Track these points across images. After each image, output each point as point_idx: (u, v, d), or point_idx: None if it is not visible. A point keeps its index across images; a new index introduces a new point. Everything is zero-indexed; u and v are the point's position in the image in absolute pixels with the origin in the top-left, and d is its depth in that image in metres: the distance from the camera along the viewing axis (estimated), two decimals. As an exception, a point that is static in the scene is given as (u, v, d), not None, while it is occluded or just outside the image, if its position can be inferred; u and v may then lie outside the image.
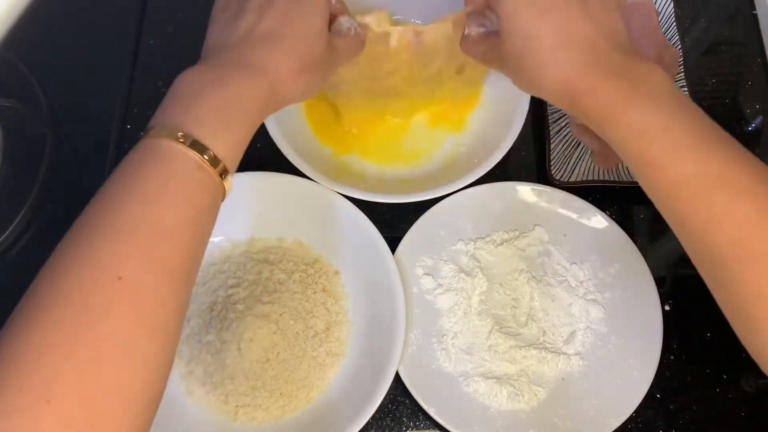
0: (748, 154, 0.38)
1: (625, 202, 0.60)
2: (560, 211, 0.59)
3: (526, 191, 0.59)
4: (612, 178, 0.60)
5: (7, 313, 0.32)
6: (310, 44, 0.43)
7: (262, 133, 0.57)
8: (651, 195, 0.40)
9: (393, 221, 0.58)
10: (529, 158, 0.62)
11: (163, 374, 0.34)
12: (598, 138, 0.51)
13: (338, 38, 0.48)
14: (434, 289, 0.56)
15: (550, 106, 0.62)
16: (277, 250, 0.57)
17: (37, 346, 0.30)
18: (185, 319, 0.37)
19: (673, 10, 0.66)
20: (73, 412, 0.30)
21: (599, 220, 0.58)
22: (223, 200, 0.40)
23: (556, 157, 0.60)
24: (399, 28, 0.51)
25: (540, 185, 0.59)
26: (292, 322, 0.54)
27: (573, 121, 0.52)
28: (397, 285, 0.53)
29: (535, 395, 0.53)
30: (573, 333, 0.55)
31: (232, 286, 0.55)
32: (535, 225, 0.58)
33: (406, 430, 0.53)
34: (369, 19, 0.50)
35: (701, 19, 0.68)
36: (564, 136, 0.61)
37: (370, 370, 0.52)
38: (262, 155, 0.60)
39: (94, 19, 0.68)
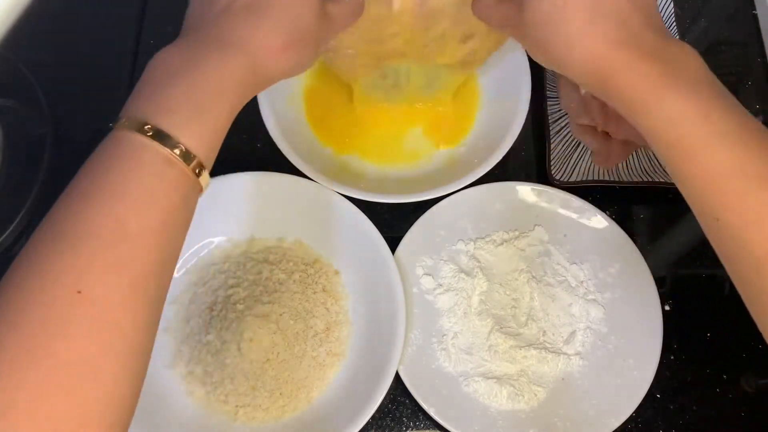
0: None
1: (625, 202, 0.60)
2: (560, 211, 0.59)
3: (526, 191, 0.59)
4: (612, 178, 0.60)
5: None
6: (297, 14, 0.39)
7: (262, 132, 0.57)
8: (682, 186, 0.37)
9: (393, 221, 0.58)
10: (529, 158, 0.62)
11: (133, 391, 0.32)
12: (598, 138, 0.51)
13: (332, 4, 0.43)
14: (434, 289, 0.56)
15: (550, 106, 0.62)
16: (277, 250, 0.57)
17: None
18: (156, 330, 0.34)
19: (673, 10, 0.66)
20: None
21: (599, 220, 0.58)
22: (199, 196, 0.37)
23: (556, 157, 0.60)
24: None
25: (540, 185, 0.59)
26: (292, 322, 0.54)
27: (573, 121, 0.52)
28: (397, 285, 0.53)
29: (535, 395, 0.53)
30: (573, 333, 0.55)
31: (232, 286, 0.55)
32: (535, 225, 0.58)
33: (406, 430, 0.53)
34: None
35: (701, 19, 0.68)
36: (564, 136, 0.61)
37: (370, 370, 0.52)
38: (262, 155, 0.60)
39: (94, 19, 0.68)
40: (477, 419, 0.52)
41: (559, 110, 0.62)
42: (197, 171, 0.35)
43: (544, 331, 0.55)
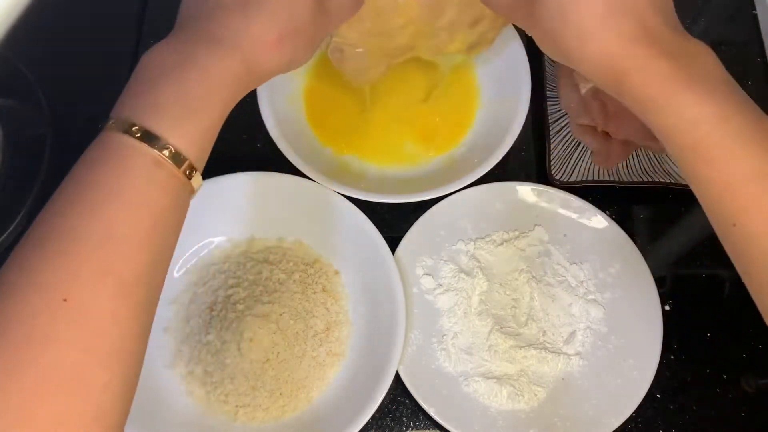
0: None
1: (625, 202, 0.60)
2: (560, 211, 0.59)
3: (526, 191, 0.59)
4: (612, 178, 0.60)
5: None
6: (289, 8, 0.38)
7: (262, 133, 0.57)
8: (698, 189, 0.36)
9: (393, 221, 0.58)
10: (529, 158, 0.62)
11: (124, 400, 0.31)
12: (598, 138, 0.51)
13: None
14: (434, 289, 0.56)
15: (550, 106, 0.62)
16: (277, 250, 0.57)
17: None
18: (148, 336, 0.33)
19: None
20: None
21: (599, 220, 0.58)
22: (191, 198, 0.36)
23: (556, 157, 0.60)
24: None
25: (540, 185, 0.59)
26: (292, 322, 0.54)
27: (573, 121, 0.52)
28: (397, 285, 0.53)
29: (535, 395, 0.53)
30: (573, 333, 0.55)
31: (232, 286, 0.55)
32: (535, 225, 0.58)
33: (406, 430, 0.53)
34: None
35: (701, 19, 0.68)
36: (564, 136, 0.61)
37: (370, 370, 0.52)
38: (262, 155, 0.60)
39: (94, 19, 0.68)
40: (477, 419, 0.52)
41: (559, 110, 0.62)
42: (188, 172, 0.34)
43: (544, 331, 0.55)
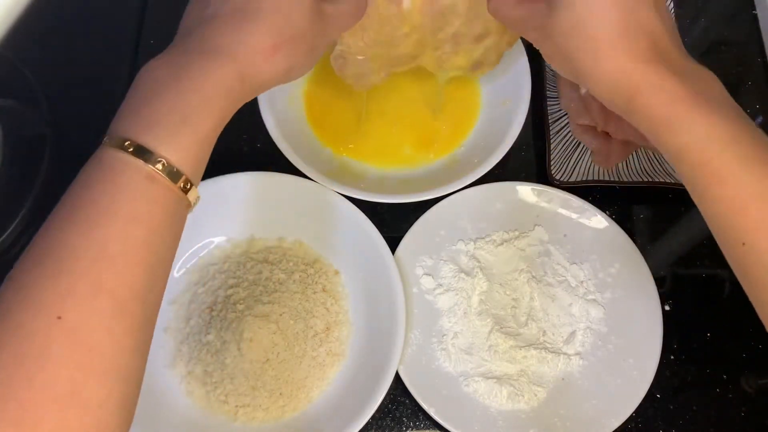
0: None
1: (625, 202, 0.60)
2: (560, 211, 0.59)
3: (526, 191, 0.59)
4: (612, 178, 0.60)
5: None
6: (287, 15, 0.37)
7: (262, 133, 0.57)
8: (707, 208, 0.36)
9: (393, 221, 0.58)
10: (529, 158, 0.62)
11: (123, 416, 0.31)
12: (598, 138, 0.51)
13: (329, 4, 0.41)
14: (434, 289, 0.56)
15: (550, 106, 0.62)
16: (277, 250, 0.57)
17: None
18: (147, 353, 0.33)
19: (673, 10, 0.66)
20: None
21: (599, 220, 0.58)
22: (189, 211, 0.36)
23: (556, 157, 0.60)
24: None
25: (540, 185, 0.59)
26: (292, 322, 0.54)
27: (573, 121, 0.52)
28: (397, 285, 0.53)
29: (535, 395, 0.53)
30: (573, 333, 0.55)
31: (231, 286, 0.55)
32: (535, 225, 0.58)
33: (406, 430, 0.53)
34: None
35: (701, 19, 0.68)
36: (564, 136, 0.61)
37: (370, 370, 0.52)
38: (262, 155, 0.60)
39: (94, 19, 0.68)
40: (477, 419, 0.52)
41: (559, 110, 0.62)
42: (183, 186, 0.34)
43: (544, 331, 0.55)
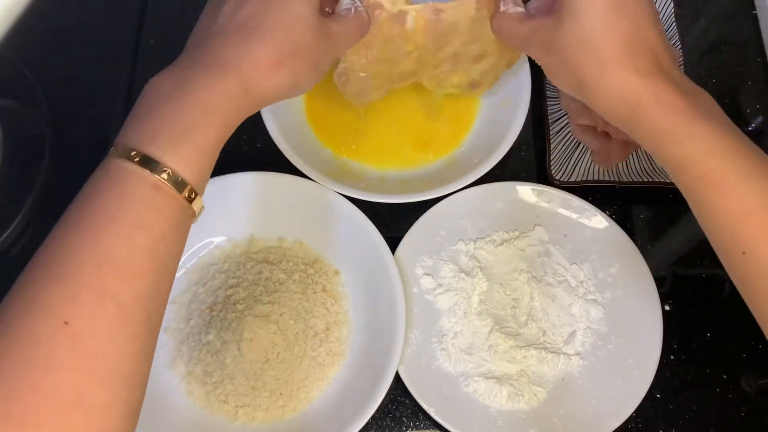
0: None
1: (625, 202, 0.60)
2: (560, 211, 0.59)
3: (526, 191, 0.59)
4: (612, 178, 0.60)
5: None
6: (288, 32, 0.39)
7: (262, 133, 0.57)
8: (707, 219, 0.37)
9: (393, 221, 0.58)
10: (529, 158, 0.62)
11: (127, 420, 0.31)
12: (598, 138, 0.51)
13: (333, 21, 0.43)
14: (434, 289, 0.56)
15: (550, 106, 0.62)
16: (277, 250, 0.57)
17: None
18: (152, 358, 0.34)
19: (673, 10, 0.66)
20: None
21: (599, 220, 0.58)
22: (193, 220, 0.36)
23: (556, 157, 0.60)
24: (416, 7, 0.47)
25: (540, 185, 0.59)
26: (292, 322, 0.54)
27: (573, 121, 0.52)
28: (397, 285, 0.53)
29: (535, 395, 0.53)
30: (573, 333, 0.55)
31: (231, 286, 0.55)
32: (535, 225, 0.58)
33: (406, 430, 0.53)
34: None
35: (701, 19, 0.68)
36: (564, 136, 0.61)
37: (370, 370, 0.52)
38: (262, 155, 0.60)
39: (94, 19, 0.68)
40: (477, 419, 0.52)
41: (559, 110, 0.62)
42: (187, 195, 0.35)
43: (544, 331, 0.55)
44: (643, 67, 0.37)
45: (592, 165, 0.60)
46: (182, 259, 0.56)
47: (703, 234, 0.38)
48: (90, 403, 0.30)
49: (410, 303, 0.55)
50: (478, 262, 0.57)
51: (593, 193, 0.60)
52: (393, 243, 0.55)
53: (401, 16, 0.46)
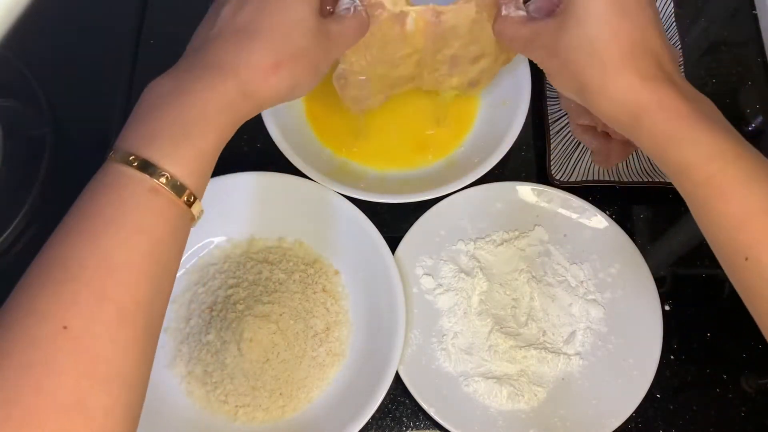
0: None
1: (625, 202, 0.60)
2: (560, 211, 0.59)
3: (526, 191, 0.59)
4: (612, 178, 0.60)
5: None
6: (286, 34, 0.39)
7: (262, 133, 0.57)
8: (709, 224, 0.37)
9: (393, 221, 0.58)
10: (529, 158, 0.62)
11: (127, 423, 0.32)
12: (598, 138, 0.51)
13: (333, 22, 0.42)
14: (434, 289, 0.56)
15: (550, 106, 0.62)
16: (277, 250, 0.57)
17: None
18: (152, 361, 0.34)
19: (673, 10, 0.66)
20: None
21: (599, 220, 0.58)
22: (192, 224, 0.36)
23: (556, 157, 0.60)
24: (417, 8, 0.47)
25: (540, 185, 0.59)
26: (292, 322, 0.54)
27: (573, 121, 0.52)
28: (397, 285, 0.53)
29: (535, 395, 0.53)
30: (573, 333, 0.55)
31: (231, 286, 0.55)
32: (535, 225, 0.58)
33: (406, 430, 0.53)
34: None
35: (701, 19, 0.68)
36: (564, 136, 0.61)
37: (370, 370, 0.52)
38: (262, 155, 0.60)
39: (94, 19, 0.68)
40: (477, 419, 0.52)
41: (559, 110, 0.62)
42: (186, 198, 0.35)
43: (544, 331, 0.55)
44: (646, 72, 0.37)
45: (592, 165, 0.60)
46: (182, 259, 0.56)
47: (703, 234, 0.38)
48: (90, 406, 0.30)
49: (410, 303, 0.55)
50: (478, 262, 0.57)
51: (593, 193, 0.60)
52: (393, 243, 0.55)
53: (402, 16, 0.46)
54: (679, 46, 0.65)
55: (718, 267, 0.38)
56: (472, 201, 0.58)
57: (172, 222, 0.34)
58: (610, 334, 0.55)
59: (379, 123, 0.62)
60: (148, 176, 0.33)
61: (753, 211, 0.35)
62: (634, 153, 0.60)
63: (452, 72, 0.53)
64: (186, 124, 0.35)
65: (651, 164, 0.60)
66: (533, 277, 0.56)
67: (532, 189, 0.59)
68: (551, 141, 0.61)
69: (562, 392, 0.53)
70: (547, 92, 0.63)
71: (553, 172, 0.59)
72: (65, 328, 0.30)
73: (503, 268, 0.57)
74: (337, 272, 0.57)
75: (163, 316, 0.35)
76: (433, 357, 0.54)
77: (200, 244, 0.57)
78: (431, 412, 0.51)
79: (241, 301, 0.54)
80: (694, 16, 0.68)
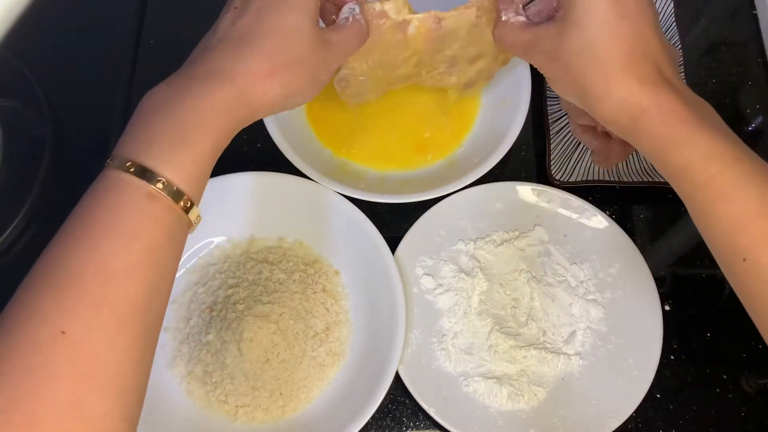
0: None
1: (625, 202, 0.60)
2: (560, 211, 0.59)
3: (526, 191, 0.59)
4: (612, 178, 0.60)
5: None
6: (283, 42, 0.39)
7: (262, 133, 0.57)
8: (708, 226, 0.37)
9: (393, 221, 0.58)
10: (529, 158, 0.62)
11: (127, 428, 0.32)
12: (598, 138, 0.51)
13: (331, 31, 0.43)
14: (434, 289, 0.56)
15: (550, 106, 0.62)
16: (277, 250, 0.57)
17: None
18: (150, 366, 0.34)
19: (673, 10, 0.66)
20: None
21: (599, 220, 0.58)
22: (190, 231, 0.37)
23: (556, 157, 0.60)
24: (419, 16, 0.47)
25: (540, 185, 0.59)
26: (292, 322, 0.54)
27: (573, 121, 0.52)
28: (397, 285, 0.53)
29: (535, 395, 0.53)
30: (573, 333, 0.55)
31: (231, 286, 0.55)
32: (535, 225, 0.58)
33: (406, 430, 0.53)
34: (387, 6, 0.46)
35: (701, 19, 0.68)
36: (564, 136, 0.61)
37: (370, 370, 0.52)
38: (262, 155, 0.60)
39: (94, 19, 0.68)
40: (477, 419, 0.52)
41: (559, 110, 0.62)
42: (182, 203, 0.35)
43: (544, 331, 0.55)
44: (646, 76, 0.38)
45: (592, 165, 0.60)
46: (182, 259, 0.56)
47: (701, 236, 0.38)
48: (89, 411, 0.30)
49: (410, 303, 0.55)
50: (478, 262, 0.57)
51: (593, 193, 0.60)
52: (393, 243, 0.55)
53: (404, 24, 0.47)
54: (679, 46, 0.64)
55: (718, 267, 0.38)
56: (472, 201, 0.58)
57: (169, 227, 0.35)
58: (610, 334, 0.55)
59: (379, 123, 0.62)
60: (145, 182, 0.34)
61: (752, 213, 0.35)
62: (634, 153, 0.60)
63: (451, 71, 0.54)
64: (183, 129, 0.35)
65: (651, 164, 0.60)
66: (533, 277, 0.56)
67: (532, 189, 0.59)
68: (551, 141, 0.61)
69: (562, 392, 0.53)
70: (547, 92, 0.63)
71: (553, 172, 0.59)
72: (64, 333, 0.30)
73: (503, 268, 0.57)
74: (337, 272, 0.57)
75: (161, 320, 0.35)
76: (433, 357, 0.54)
77: (200, 244, 0.57)
78: (431, 412, 0.51)
79: (241, 301, 0.54)
80: (694, 16, 0.68)
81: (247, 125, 0.39)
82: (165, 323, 0.54)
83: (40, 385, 0.29)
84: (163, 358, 0.54)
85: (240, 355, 0.52)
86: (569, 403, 0.53)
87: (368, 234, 0.55)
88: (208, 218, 0.55)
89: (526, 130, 0.58)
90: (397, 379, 0.52)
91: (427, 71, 0.53)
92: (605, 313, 0.56)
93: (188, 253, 0.57)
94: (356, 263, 0.56)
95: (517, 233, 0.58)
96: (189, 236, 0.37)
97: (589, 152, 0.61)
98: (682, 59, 0.64)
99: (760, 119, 0.64)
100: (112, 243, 0.32)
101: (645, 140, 0.38)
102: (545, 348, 0.54)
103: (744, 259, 0.35)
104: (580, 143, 0.61)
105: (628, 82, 0.38)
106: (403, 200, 0.56)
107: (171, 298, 0.55)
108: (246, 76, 0.38)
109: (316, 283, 0.56)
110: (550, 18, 0.44)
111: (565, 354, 0.54)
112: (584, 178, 0.59)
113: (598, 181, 0.59)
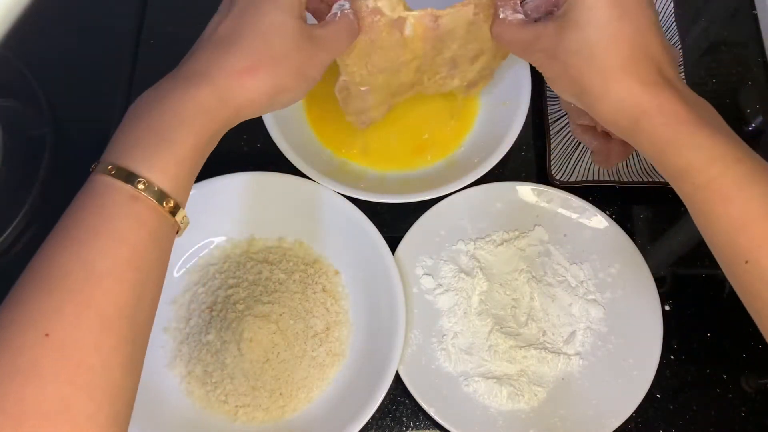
0: None
1: (625, 202, 0.60)
2: (560, 211, 0.59)
3: (526, 191, 0.59)
4: (612, 178, 0.60)
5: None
6: (265, 39, 0.39)
7: (262, 133, 0.57)
8: (709, 228, 0.37)
9: (393, 221, 0.58)
10: (529, 158, 0.62)
11: (113, 430, 0.32)
12: (598, 138, 0.51)
13: (319, 27, 0.42)
14: (434, 289, 0.56)
15: (550, 106, 0.62)
16: (277, 250, 0.57)
17: None
18: (139, 369, 0.34)
19: (673, 10, 0.66)
20: None
21: (599, 220, 0.58)
22: (178, 233, 0.37)
23: (556, 157, 0.60)
24: (415, 13, 0.46)
25: (540, 185, 0.59)
26: (292, 322, 0.54)
27: (573, 121, 0.52)
28: (397, 285, 0.53)
29: (535, 395, 0.53)
30: (573, 333, 0.55)
31: (231, 286, 0.55)
32: (535, 225, 0.58)
33: (406, 430, 0.53)
34: (381, 3, 0.45)
35: (701, 19, 0.68)
36: (564, 136, 0.61)
37: (370, 370, 0.52)
38: (262, 155, 0.60)
39: (94, 19, 0.68)
40: (477, 419, 0.52)
41: (559, 110, 0.62)
42: (166, 204, 0.35)
43: (544, 331, 0.55)
44: (646, 77, 0.38)
45: (592, 165, 0.60)
46: (182, 259, 0.57)
47: (702, 237, 0.38)
48: (75, 413, 0.30)
49: (410, 303, 0.55)
50: (478, 262, 0.57)
51: (593, 193, 0.60)
52: (393, 243, 0.55)
53: (400, 22, 0.46)
54: (679, 46, 0.64)
55: (718, 267, 0.38)
56: (472, 201, 0.58)
57: (153, 229, 0.35)
58: (610, 334, 0.55)
59: (379, 123, 0.62)
60: (126, 183, 0.34)
61: (753, 214, 0.35)
62: (634, 153, 0.60)
63: (453, 73, 0.53)
64: (163, 129, 0.35)
65: (651, 164, 0.60)
66: (533, 277, 0.56)
67: (532, 189, 0.59)
68: (551, 141, 0.61)
69: (562, 392, 0.53)
70: (547, 92, 0.63)
71: (553, 172, 0.59)
72: (47, 335, 0.30)
73: (503, 268, 0.57)
74: (337, 272, 0.57)
75: (150, 323, 0.35)
76: (433, 357, 0.54)
77: (200, 244, 0.57)
78: (431, 412, 0.51)
79: (241, 301, 0.54)
80: (694, 16, 0.68)
81: (232, 126, 0.39)
82: (165, 323, 0.55)
83: (25, 386, 0.29)
84: (163, 358, 0.54)
85: (240, 355, 0.52)
86: (569, 403, 0.53)
87: (368, 234, 0.55)
88: (208, 218, 0.55)
89: (526, 130, 0.58)
90: (397, 379, 0.52)
91: (429, 77, 0.53)
92: (605, 313, 0.56)
93: (188, 253, 0.57)
94: (356, 263, 0.56)
95: (517, 233, 0.58)
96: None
97: (589, 152, 0.61)
98: (682, 59, 0.64)
99: (760, 119, 0.64)
100: (96, 245, 0.33)
101: (645, 141, 0.38)
102: (545, 348, 0.54)
103: (746, 261, 0.35)
104: (580, 143, 0.61)
105: (628, 83, 0.38)
106: (403, 200, 0.56)
107: (171, 298, 0.56)
108: (223, 75, 0.37)
109: (316, 283, 0.56)
110: (549, 13, 0.43)
111: (565, 354, 0.54)
112: (584, 178, 0.59)
113: (598, 181, 0.59)
